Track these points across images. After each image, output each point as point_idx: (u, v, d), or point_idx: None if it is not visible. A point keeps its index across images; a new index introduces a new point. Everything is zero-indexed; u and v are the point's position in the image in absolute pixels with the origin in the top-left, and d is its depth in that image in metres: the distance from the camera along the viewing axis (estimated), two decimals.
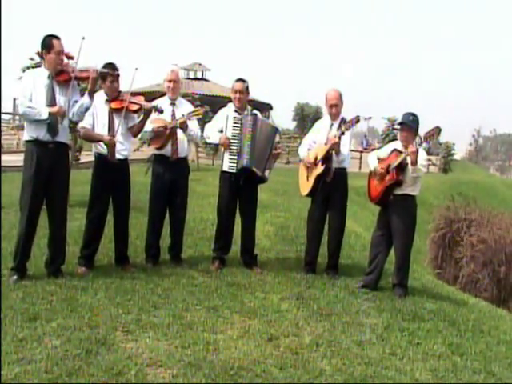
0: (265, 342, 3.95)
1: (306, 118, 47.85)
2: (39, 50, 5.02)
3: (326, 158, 5.62)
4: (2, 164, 15.16)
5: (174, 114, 5.71)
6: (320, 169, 5.64)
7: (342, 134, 5.48)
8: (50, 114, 4.76)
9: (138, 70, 5.24)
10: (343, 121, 5.67)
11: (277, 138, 5.75)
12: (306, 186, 5.87)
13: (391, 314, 4.77)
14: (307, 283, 5.45)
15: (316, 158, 5.69)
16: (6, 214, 7.63)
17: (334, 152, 5.57)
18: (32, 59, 5.13)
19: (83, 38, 4.86)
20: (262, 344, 3.91)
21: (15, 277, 4.80)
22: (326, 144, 5.63)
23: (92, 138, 5.38)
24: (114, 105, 5.35)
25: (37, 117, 4.76)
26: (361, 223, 9.47)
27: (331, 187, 5.70)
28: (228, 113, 5.75)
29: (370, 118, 47.76)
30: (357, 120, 5.40)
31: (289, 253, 6.70)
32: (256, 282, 5.36)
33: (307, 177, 5.85)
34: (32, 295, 4.44)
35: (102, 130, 5.33)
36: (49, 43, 4.87)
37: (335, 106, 5.73)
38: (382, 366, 3.77)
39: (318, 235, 5.88)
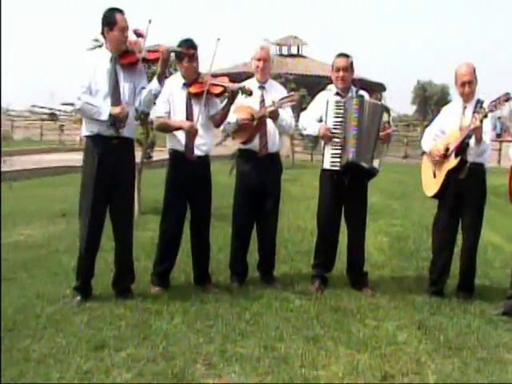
0: (378, 382, 3.91)
1: (428, 100, 46.88)
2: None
3: (462, 149, 5.48)
4: (64, 164, 16.05)
5: (263, 101, 5.77)
6: (453, 162, 5.50)
7: (485, 116, 5.31)
8: (110, 114, 4.94)
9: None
10: (480, 103, 5.51)
11: (385, 118, 5.65)
12: (432, 184, 5.75)
13: None
14: (431, 309, 5.34)
15: (447, 149, 5.56)
16: (68, 223, 8.07)
17: (473, 140, 5.40)
18: (97, 40, 5.36)
19: (150, 22, 5.00)
20: None
21: (79, 298, 5.04)
22: (460, 130, 5.49)
23: (169, 128, 5.53)
24: (192, 89, 5.47)
25: (95, 116, 4.94)
26: (501, 232, 9.11)
27: (464, 186, 5.56)
28: (328, 97, 5.73)
29: None
30: (506, 98, 5.21)
31: (408, 270, 6.61)
32: (366, 306, 5.32)
33: (434, 173, 5.72)
34: (98, 319, 4.65)
35: (179, 119, 5.46)
36: (111, 18, 5.00)
37: (469, 84, 5.57)
38: None
39: (447, 248, 5.75)
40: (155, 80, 5.11)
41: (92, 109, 4.94)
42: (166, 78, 5.41)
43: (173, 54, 5.42)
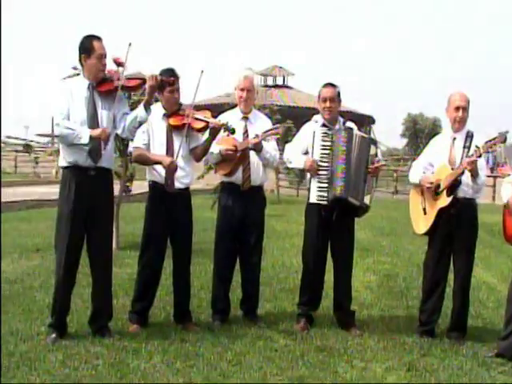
0: None
1: (419, 133, 47.29)
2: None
3: (454, 186, 5.55)
4: (40, 197, 16.01)
5: (246, 132, 5.82)
6: (446, 200, 5.52)
7: (479, 156, 5.38)
8: (91, 137, 4.97)
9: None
10: (470, 137, 5.58)
11: (372, 150, 5.71)
12: (422, 221, 5.78)
13: None
14: (422, 350, 5.35)
15: (438, 186, 5.60)
16: (43, 258, 8.04)
17: (468, 176, 5.45)
18: (76, 68, 5.42)
19: (130, 45, 5.04)
20: None
21: (54, 335, 5.02)
22: (450, 163, 5.55)
23: (147, 161, 5.55)
24: (173, 121, 5.51)
25: (75, 140, 4.96)
26: (494, 272, 9.17)
27: (456, 223, 5.60)
28: (315, 128, 5.77)
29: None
30: (503, 140, 5.21)
31: (397, 309, 6.62)
32: (354, 346, 5.32)
33: (424, 210, 5.76)
34: (74, 358, 4.63)
35: (158, 151, 5.50)
36: (88, 45, 5.07)
37: (463, 110, 5.62)
38: None
39: (438, 287, 5.76)
40: (141, 107, 5.14)
41: (72, 133, 4.95)
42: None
43: None
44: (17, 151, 35.76)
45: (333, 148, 5.64)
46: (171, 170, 5.37)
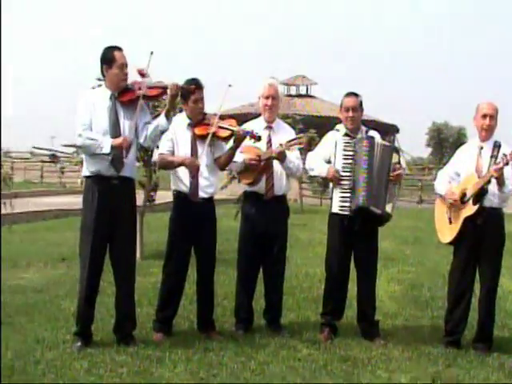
0: None
1: (444, 142, 47.00)
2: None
3: (480, 195, 5.53)
4: (66, 207, 16.15)
5: (270, 141, 5.84)
6: (471, 209, 5.49)
7: (506, 164, 5.34)
8: (112, 146, 5.03)
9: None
10: (497, 146, 5.54)
11: (394, 158, 5.69)
12: (447, 230, 5.75)
13: None
14: (447, 360, 5.31)
15: (464, 195, 5.58)
16: (68, 267, 8.13)
17: (494, 185, 5.42)
18: (100, 79, 5.51)
19: (151, 53, 5.12)
20: None
21: (79, 343, 5.08)
22: (477, 172, 5.52)
23: (170, 164, 5.58)
24: (198, 130, 5.55)
25: (97, 150, 5.03)
26: None
27: (482, 233, 5.57)
28: (337, 137, 5.78)
29: None
30: None
31: (422, 320, 6.59)
32: (378, 357, 5.30)
33: (449, 219, 5.73)
34: (99, 366, 4.69)
35: None
36: (110, 56, 5.15)
37: (490, 118, 5.59)
38: None
39: (464, 297, 5.71)
40: (163, 116, 5.21)
41: (94, 143, 5.02)
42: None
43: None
44: (43, 161, 36.17)
45: (355, 157, 5.64)
46: (194, 168, 5.40)
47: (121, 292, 5.32)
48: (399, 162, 5.72)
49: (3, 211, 13.00)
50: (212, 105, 5.68)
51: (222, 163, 5.68)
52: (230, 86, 5.54)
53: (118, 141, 5.05)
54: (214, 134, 5.47)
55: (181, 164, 5.47)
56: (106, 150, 5.01)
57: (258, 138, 5.54)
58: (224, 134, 5.53)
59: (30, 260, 9.07)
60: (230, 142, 5.61)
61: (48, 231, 13.04)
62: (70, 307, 5.92)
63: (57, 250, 9.96)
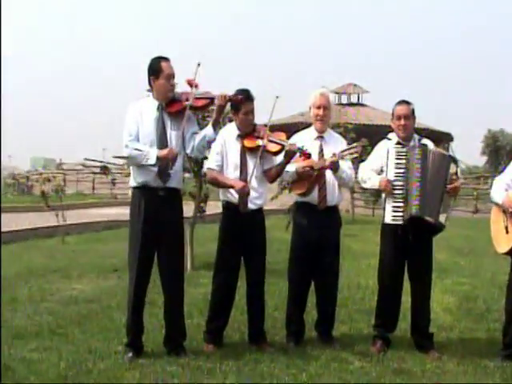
0: None
1: (500, 150, 46.24)
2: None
3: None
4: (117, 218, 16.42)
5: (321, 152, 5.82)
6: None
7: None
8: (158, 158, 5.09)
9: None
10: None
11: (452, 169, 5.62)
12: (504, 240, 5.64)
13: None
14: (504, 374, 5.22)
15: None
16: (120, 279, 8.25)
17: None
18: (149, 90, 5.59)
19: (198, 65, 5.18)
20: None
21: (130, 354, 5.14)
22: None
23: (221, 185, 5.63)
24: (248, 143, 5.57)
25: (144, 161, 5.10)
26: None
27: None
28: (389, 146, 5.74)
29: None
30: None
31: (477, 332, 6.49)
32: (432, 369, 5.24)
33: (506, 228, 5.63)
34: (150, 377, 4.74)
35: (232, 172, 5.57)
36: (157, 67, 5.22)
37: None
38: None
39: None
40: (210, 126, 5.27)
41: (140, 154, 5.10)
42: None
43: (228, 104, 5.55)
44: (94, 173, 36.85)
45: (407, 166, 5.59)
46: (243, 194, 5.44)
47: (169, 303, 5.37)
48: (456, 173, 5.64)
49: (56, 223, 13.37)
50: (261, 115, 5.71)
51: (271, 176, 5.71)
52: (277, 97, 5.54)
53: (164, 152, 5.11)
54: (264, 148, 5.49)
55: (231, 187, 5.50)
56: (152, 161, 5.08)
57: (309, 156, 5.52)
58: (274, 148, 5.53)
59: (82, 271, 9.24)
60: (280, 156, 5.61)
61: (100, 242, 13.27)
62: (121, 318, 6.00)
63: (108, 261, 10.13)
